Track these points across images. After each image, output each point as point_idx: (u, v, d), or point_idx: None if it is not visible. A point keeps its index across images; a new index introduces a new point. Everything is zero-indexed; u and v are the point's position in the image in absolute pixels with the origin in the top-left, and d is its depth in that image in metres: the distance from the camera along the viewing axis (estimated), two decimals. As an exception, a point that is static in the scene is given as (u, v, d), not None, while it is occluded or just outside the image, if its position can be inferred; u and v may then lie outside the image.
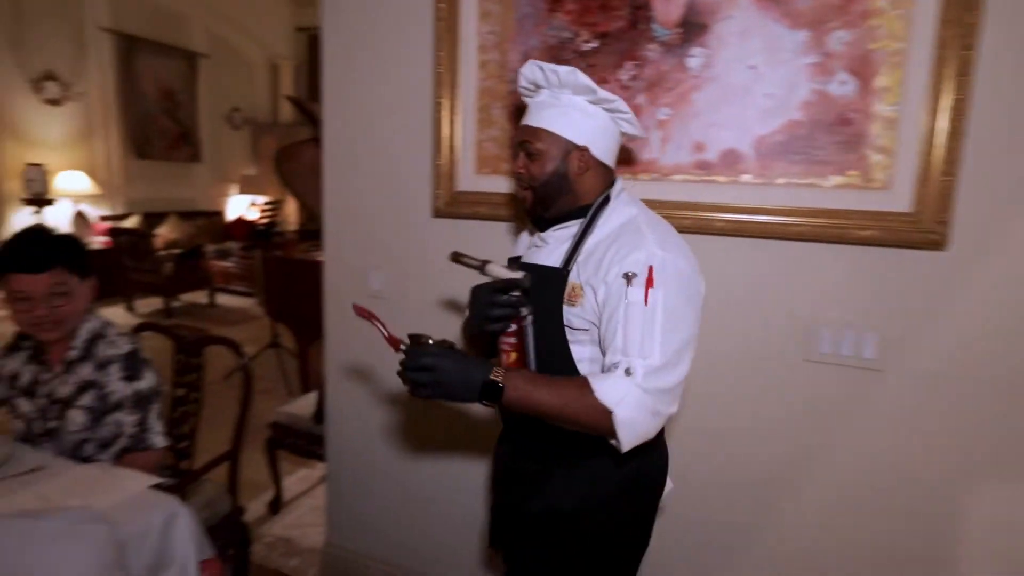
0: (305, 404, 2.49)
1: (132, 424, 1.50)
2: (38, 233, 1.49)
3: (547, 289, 1.06)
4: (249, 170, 7.91)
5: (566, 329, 1.05)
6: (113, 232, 5.50)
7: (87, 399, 1.49)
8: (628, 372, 0.93)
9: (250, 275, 6.15)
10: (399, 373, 0.96)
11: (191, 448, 1.85)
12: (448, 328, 1.74)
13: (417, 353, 0.96)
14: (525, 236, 1.32)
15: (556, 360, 1.07)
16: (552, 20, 1.51)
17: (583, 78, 1.05)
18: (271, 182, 7.73)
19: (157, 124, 6.74)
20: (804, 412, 1.42)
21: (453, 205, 1.67)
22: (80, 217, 5.78)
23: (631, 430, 0.93)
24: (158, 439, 1.53)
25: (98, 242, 5.72)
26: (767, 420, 1.45)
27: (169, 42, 6.77)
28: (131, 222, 6.05)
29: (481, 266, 1.10)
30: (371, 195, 1.81)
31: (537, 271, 1.10)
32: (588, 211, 1.09)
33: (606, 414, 0.93)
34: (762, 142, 1.36)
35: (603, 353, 1.01)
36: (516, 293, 1.05)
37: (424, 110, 1.67)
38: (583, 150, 1.08)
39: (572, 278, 1.06)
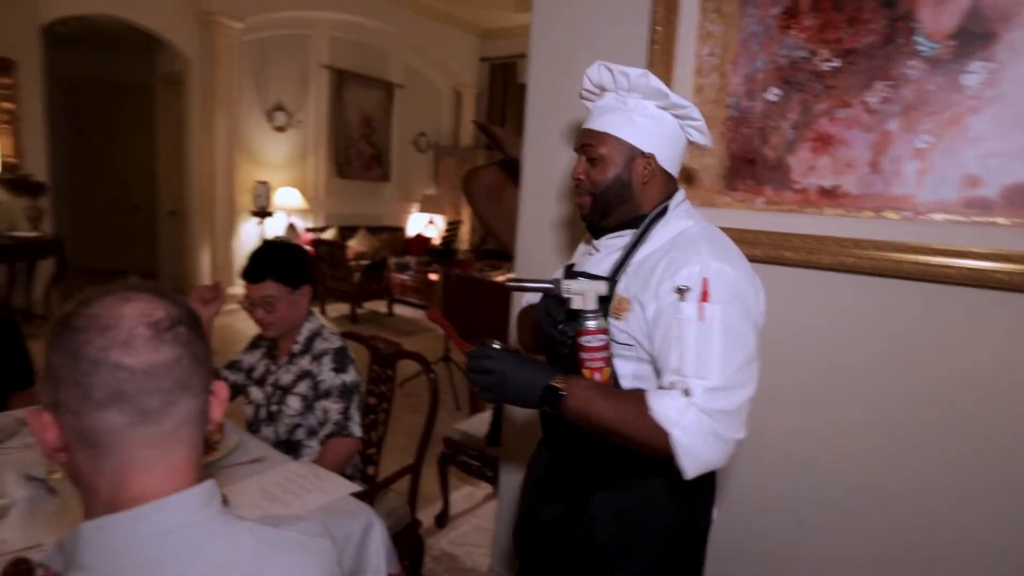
0: (479, 424, 2.55)
1: (337, 412, 1.65)
2: (261, 249, 1.74)
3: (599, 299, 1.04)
4: (429, 190, 8.55)
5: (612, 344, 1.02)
6: (315, 243, 6.24)
7: (303, 387, 1.68)
8: (686, 392, 0.90)
9: (425, 288, 6.61)
10: (467, 376, 0.98)
11: (378, 456, 1.97)
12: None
13: (480, 354, 0.99)
14: (581, 245, 1.29)
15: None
16: (784, 38, 1.38)
17: (656, 81, 1.01)
18: (449, 202, 8.28)
19: (355, 147, 7.57)
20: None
21: (654, 237, 1.59)
22: (291, 228, 6.66)
23: (693, 456, 0.89)
24: (356, 429, 1.66)
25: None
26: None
27: (372, 74, 7.60)
28: (329, 234, 6.84)
29: (555, 285, 1.07)
30: (568, 224, 1.79)
31: (591, 279, 1.07)
32: (642, 221, 1.06)
33: (663, 435, 0.89)
34: (1072, 177, 1.10)
35: (658, 374, 0.98)
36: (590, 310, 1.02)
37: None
38: (649, 157, 1.05)
39: (619, 290, 1.03)
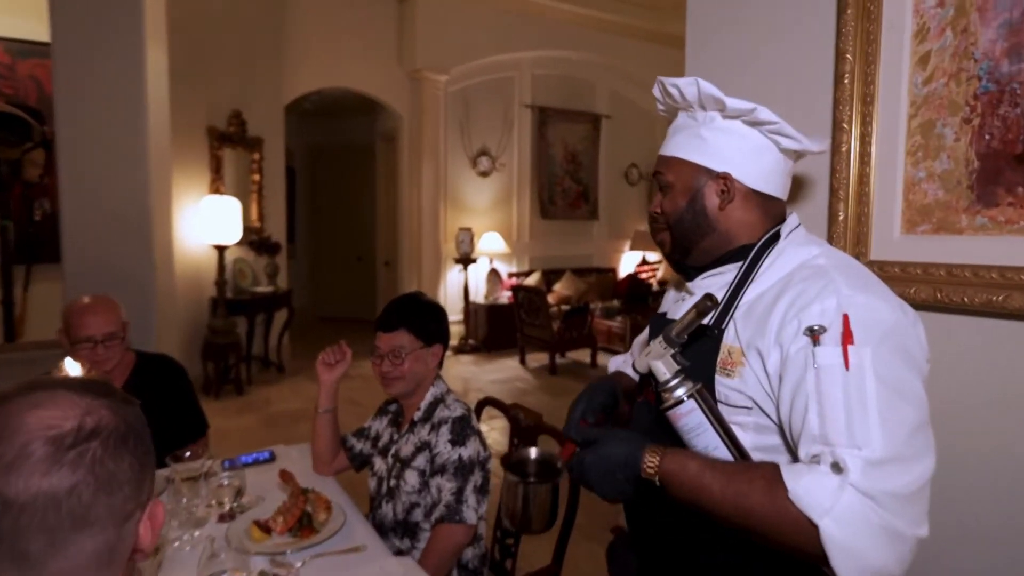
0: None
1: (449, 492, 1.52)
2: (404, 298, 1.74)
3: (697, 352, 0.91)
4: (642, 226, 8.31)
5: (719, 407, 0.88)
6: (514, 288, 6.44)
7: (421, 460, 1.60)
8: (837, 468, 0.72)
9: (633, 336, 6.33)
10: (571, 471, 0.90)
11: (516, 547, 1.79)
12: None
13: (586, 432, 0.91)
14: (671, 290, 1.18)
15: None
16: (1074, -46, 0.92)
17: (708, 87, 0.91)
18: (662, 237, 7.92)
19: (560, 185, 7.72)
20: None
21: (861, 281, 1.17)
22: (494, 274, 6.99)
23: (853, 558, 0.69)
24: (471, 514, 1.51)
25: (505, 297, 6.79)
26: None
27: (576, 108, 7.74)
28: (533, 278, 7.02)
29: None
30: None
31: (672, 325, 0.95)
32: (747, 252, 0.94)
33: (808, 527, 0.71)
34: None
35: (789, 447, 0.83)
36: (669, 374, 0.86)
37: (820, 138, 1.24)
38: (723, 177, 0.94)
39: (728, 340, 0.90)
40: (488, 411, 2.00)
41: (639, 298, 4.42)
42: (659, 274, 7.59)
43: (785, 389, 0.81)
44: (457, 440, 1.57)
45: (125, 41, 3.36)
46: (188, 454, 1.49)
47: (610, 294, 7.50)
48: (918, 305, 1.08)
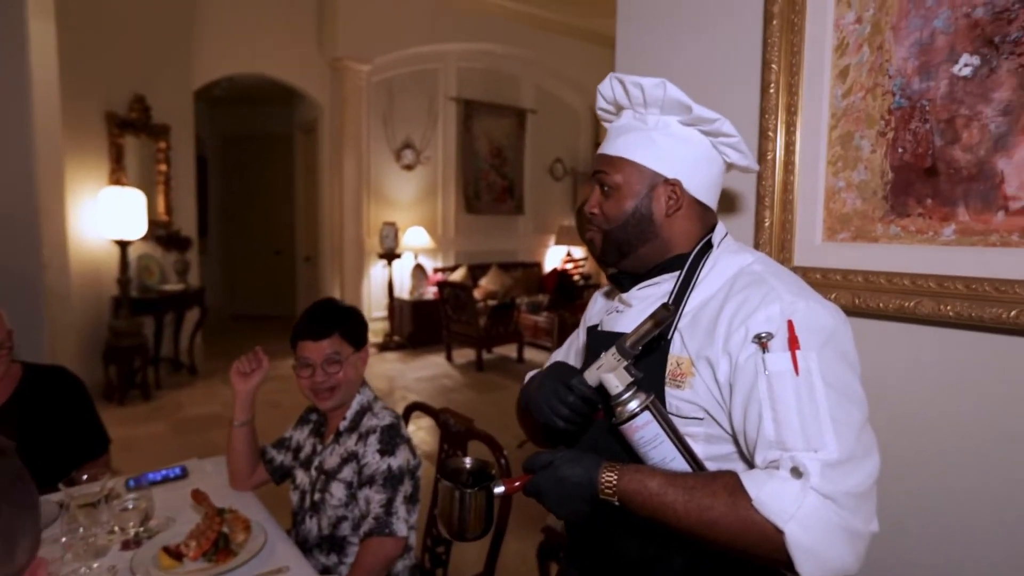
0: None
1: (379, 503, 1.46)
2: (323, 305, 1.66)
3: (642, 367, 0.88)
4: (567, 220, 8.40)
5: (672, 419, 0.86)
6: (440, 284, 6.36)
7: (347, 472, 1.53)
8: (797, 472, 0.73)
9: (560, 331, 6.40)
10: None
11: (447, 554, 1.75)
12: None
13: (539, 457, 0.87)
14: (599, 298, 1.16)
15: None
16: (979, -22, 0.97)
17: (675, 91, 0.90)
18: (586, 232, 8.05)
19: (486, 179, 7.69)
20: None
21: (785, 286, 1.20)
22: (419, 269, 6.88)
23: (817, 560, 0.71)
24: (401, 526, 1.45)
25: (430, 292, 6.70)
26: None
27: (502, 102, 7.71)
28: (459, 273, 6.95)
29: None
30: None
31: (612, 339, 0.91)
32: (683, 262, 0.94)
33: (772, 534, 0.72)
34: None
35: (745, 455, 0.84)
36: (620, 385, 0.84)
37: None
38: (673, 184, 0.93)
39: (674, 351, 0.89)
40: (416, 412, 1.95)
41: (566, 293, 4.44)
42: (584, 269, 7.71)
43: (737, 397, 0.81)
44: (386, 450, 1.51)
45: (2, 11, 3.04)
46: (85, 476, 1.35)
47: (536, 289, 7.55)
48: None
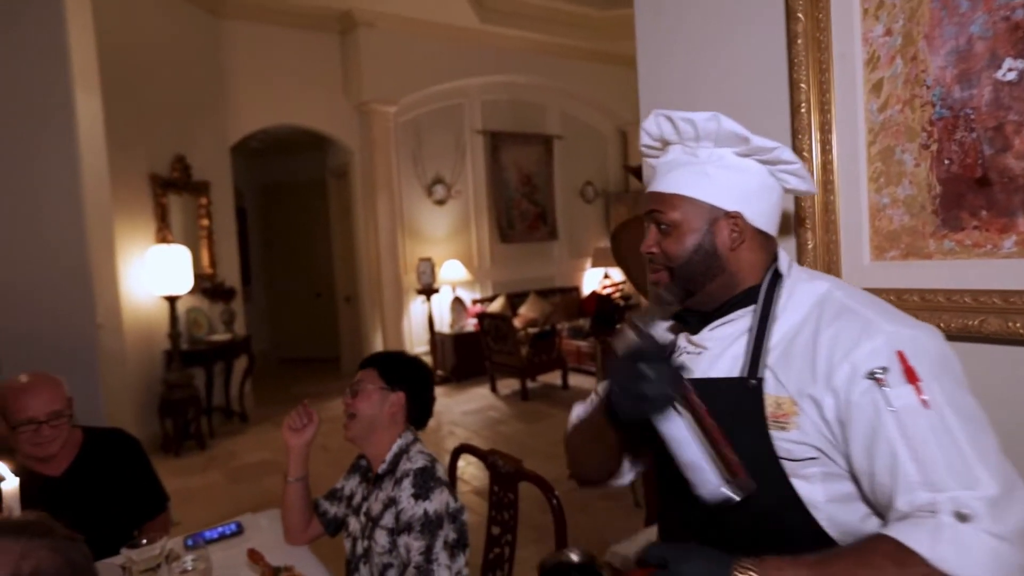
0: (643, 544, 2.17)
1: (418, 551, 1.43)
2: (391, 352, 1.81)
3: (736, 411, 0.85)
4: (602, 243, 8.37)
5: (782, 463, 0.82)
6: (479, 316, 6.38)
7: (388, 518, 1.52)
8: (962, 516, 0.67)
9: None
10: None
11: (506, 602, 1.72)
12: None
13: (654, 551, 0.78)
14: (661, 326, 1.01)
15: (778, 512, 0.84)
16: (1014, -19, 0.93)
17: (730, 124, 0.87)
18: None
19: (518, 208, 7.73)
20: None
21: (835, 309, 1.16)
22: (457, 302, 6.92)
23: None
24: (442, 573, 1.43)
25: (471, 325, 6.72)
26: None
27: (528, 131, 7.79)
28: (497, 304, 6.97)
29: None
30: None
31: (708, 388, 0.86)
32: (755, 295, 0.90)
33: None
34: None
35: (868, 497, 0.79)
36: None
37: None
38: (735, 217, 0.90)
39: (770, 390, 0.85)
40: (464, 453, 1.94)
41: (607, 317, 4.38)
42: (625, 289, 7.63)
43: (857, 437, 0.78)
44: (420, 494, 1.48)
45: (52, 90, 3.23)
46: (144, 541, 1.38)
47: (576, 313, 7.51)
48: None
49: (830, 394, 0.79)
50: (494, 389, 6.21)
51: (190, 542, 1.63)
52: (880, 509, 0.79)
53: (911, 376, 0.75)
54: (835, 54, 1.13)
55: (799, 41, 1.17)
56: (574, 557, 0.85)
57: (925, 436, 0.73)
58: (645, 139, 0.99)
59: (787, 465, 0.82)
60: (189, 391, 4.73)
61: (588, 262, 8.35)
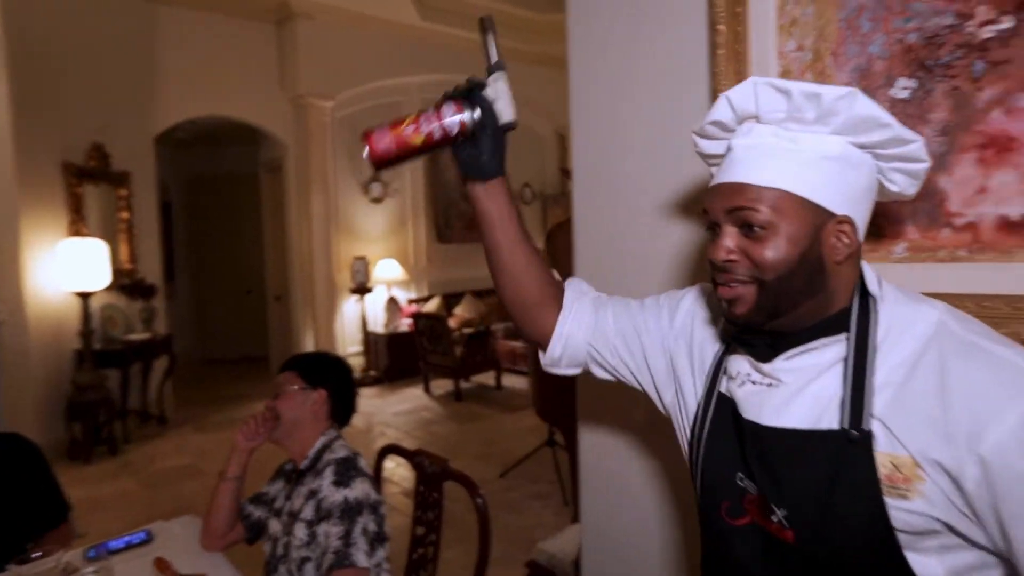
0: (570, 541, 2.19)
1: (336, 536, 1.42)
2: (309, 353, 1.77)
3: (836, 473, 0.69)
4: (539, 244, 8.43)
5: (898, 535, 0.67)
6: (414, 316, 6.31)
7: (308, 510, 1.50)
8: None
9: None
10: None
11: (430, 601, 1.70)
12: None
13: None
14: (709, 333, 0.92)
15: None
16: (912, 4, 0.99)
17: (867, 105, 0.70)
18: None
19: (456, 208, 7.69)
20: None
21: (748, 311, 1.20)
22: (392, 302, 6.82)
23: None
24: (360, 557, 1.41)
25: (405, 325, 6.64)
26: None
27: (467, 131, 7.77)
28: (433, 304, 6.91)
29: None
30: (633, 286, 1.46)
31: (790, 440, 0.73)
32: (846, 320, 0.73)
33: None
34: None
35: (1004, 562, 0.66)
36: None
37: (704, 177, 1.28)
38: (844, 223, 0.73)
39: (883, 447, 0.68)
40: (390, 454, 1.91)
41: None
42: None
43: (1005, 502, 0.62)
44: (341, 481, 1.48)
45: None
46: (38, 554, 1.28)
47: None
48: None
49: (976, 462, 0.63)
50: (428, 390, 6.16)
51: (92, 553, 1.53)
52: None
53: None
54: (752, 65, 1.18)
55: (720, 51, 1.21)
56: None
57: None
58: (720, 114, 0.79)
59: (903, 538, 0.68)
60: (101, 393, 4.46)
61: (525, 264, 8.40)
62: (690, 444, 0.89)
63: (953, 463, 0.64)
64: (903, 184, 0.77)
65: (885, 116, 0.70)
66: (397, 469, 3.99)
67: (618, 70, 1.47)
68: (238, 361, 7.72)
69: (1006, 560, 0.66)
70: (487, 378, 6.33)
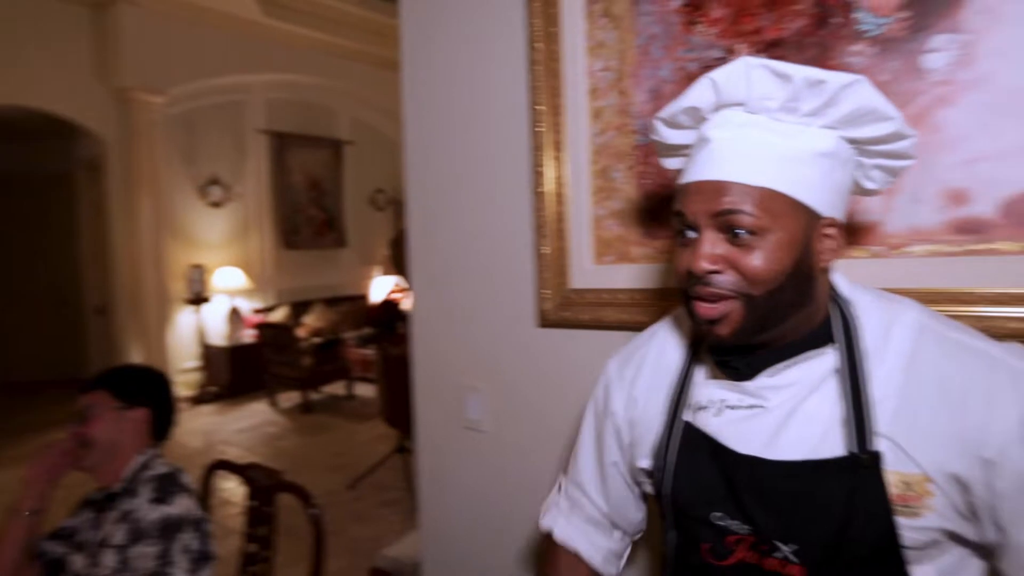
0: (413, 545, 2.19)
1: (153, 556, 1.30)
2: (120, 367, 1.61)
3: (846, 501, 0.63)
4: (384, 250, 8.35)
5: (904, 553, 0.64)
6: (259, 326, 5.95)
7: (120, 535, 1.36)
8: None
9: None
10: None
11: (262, 622, 1.62)
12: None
13: None
14: (670, 365, 0.82)
15: None
16: (690, 37, 1.13)
17: (872, 95, 0.63)
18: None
19: (304, 214, 7.38)
20: None
21: (566, 308, 1.29)
22: (234, 312, 6.37)
23: None
24: None
25: (248, 336, 6.23)
26: None
27: (316, 134, 7.49)
28: (280, 313, 6.55)
29: None
30: (462, 294, 1.51)
31: (797, 472, 0.66)
32: (829, 329, 0.69)
33: None
34: (1096, 179, 0.82)
35: (983, 553, 0.66)
36: None
37: (522, 181, 1.36)
38: (832, 225, 0.68)
39: (894, 465, 0.63)
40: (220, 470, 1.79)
41: (386, 322, 4.33)
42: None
43: (1004, 500, 0.61)
44: (161, 498, 1.37)
45: None
46: None
47: (364, 322, 7.36)
48: (608, 326, 1.23)
49: (981, 466, 0.61)
50: (274, 403, 5.83)
51: None
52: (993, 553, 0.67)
53: None
54: (566, 82, 1.27)
55: (537, 67, 1.29)
56: None
57: None
58: (699, 99, 0.70)
59: (910, 554, 0.64)
60: None
61: (378, 270, 8.26)
62: (654, 485, 0.81)
63: (968, 472, 0.62)
64: (880, 182, 0.73)
65: (890, 108, 0.64)
66: (238, 489, 3.73)
67: (447, 73, 1.51)
68: (47, 384, 6.78)
69: (984, 548, 0.67)
70: (338, 388, 6.13)
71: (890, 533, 0.63)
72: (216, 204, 6.47)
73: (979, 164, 0.90)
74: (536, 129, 1.30)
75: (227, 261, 6.45)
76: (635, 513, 0.94)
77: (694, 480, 0.74)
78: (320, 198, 7.59)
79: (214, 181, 6.46)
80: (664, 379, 0.82)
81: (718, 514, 0.71)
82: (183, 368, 6.03)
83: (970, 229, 0.91)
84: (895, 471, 0.63)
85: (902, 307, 0.70)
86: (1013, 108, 0.87)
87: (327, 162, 7.67)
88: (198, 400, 5.93)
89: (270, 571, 1.63)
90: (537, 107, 1.29)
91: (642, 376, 0.85)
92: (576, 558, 0.91)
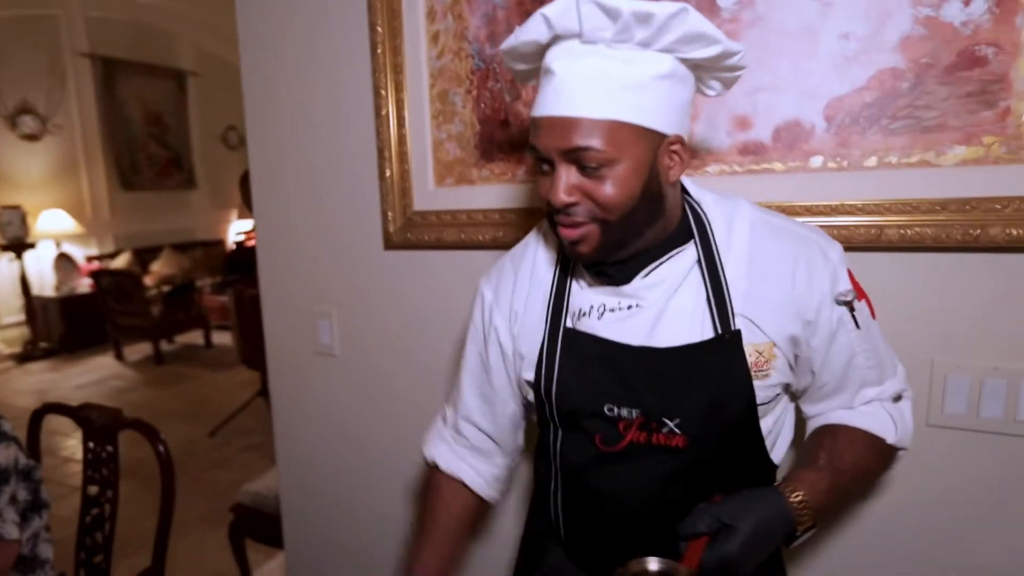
0: (274, 478, 2.19)
1: None
2: None
3: (715, 378, 0.75)
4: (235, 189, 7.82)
5: (757, 409, 0.78)
6: (96, 274, 5.40)
7: None
8: (898, 397, 0.84)
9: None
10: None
11: (107, 563, 1.56)
12: (421, 395, 1.41)
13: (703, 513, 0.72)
14: (543, 278, 0.87)
15: (742, 455, 0.80)
16: (521, -37, 1.17)
17: (699, 21, 0.67)
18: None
19: (145, 151, 6.68)
20: (933, 500, 1.02)
21: (410, 230, 1.33)
22: (64, 259, 5.71)
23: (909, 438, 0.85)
24: (9, 528, 1.26)
25: (84, 285, 5.64)
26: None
27: (154, 62, 6.72)
28: (121, 260, 5.97)
29: None
30: (309, 221, 1.49)
31: (669, 358, 0.76)
32: (686, 231, 0.78)
33: (896, 451, 0.84)
34: (839, 106, 0.98)
35: (795, 392, 0.85)
36: None
37: (364, 105, 1.34)
38: (676, 142, 0.72)
39: (750, 338, 0.75)
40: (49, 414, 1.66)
41: (238, 265, 4.06)
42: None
43: (816, 354, 0.78)
44: None
45: None
46: None
47: (221, 268, 6.91)
48: (450, 246, 1.29)
49: (804, 326, 0.76)
50: (120, 356, 5.38)
51: None
52: (799, 394, 0.86)
53: (860, 292, 0.78)
54: (404, 3, 1.26)
55: (376, -5, 1.26)
56: (653, 565, 0.70)
57: (877, 342, 0.81)
58: (534, 32, 0.71)
59: (760, 410, 0.77)
60: None
61: (234, 213, 7.73)
62: (538, 392, 0.84)
63: (799, 332, 0.76)
64: (719, 88, 0.78)
65: (715, 31, 0.68)
66: (69, 443, 3.47)
67: (284, 7, 1.43)
68: None
69: (793, 393, 0.86)
70: (195, 337, 5.77)
71: (750, 395, 0.75)
72: (31, 137, 5.67)
73: (759, 95, 1.04)
74: (376, 50, 1.29)
75: (52, 203, 5.73)
76: (519, 435, 0.99)
77: (583, 379, 0.80)
78: (163, 134, 6.88)
79: (26, 110, 5.63)
80: (540, 291, 0.87)
81: (609, 405, 0.78)
82: (3, 324, 5.36)
83: (751, 151, 1.06)
84: (751, 344, 0.75)
85: (736, 202, 0.80)
86: (782, 46, 1.00)
87: (169, 95, 6.94)
88: (25, 357, 5.32)
89: (115, 511, 1.56)
90: (376, 28, 1.28)
91: (519, 290, 0.89)
92: (461, 485, 0.95)
